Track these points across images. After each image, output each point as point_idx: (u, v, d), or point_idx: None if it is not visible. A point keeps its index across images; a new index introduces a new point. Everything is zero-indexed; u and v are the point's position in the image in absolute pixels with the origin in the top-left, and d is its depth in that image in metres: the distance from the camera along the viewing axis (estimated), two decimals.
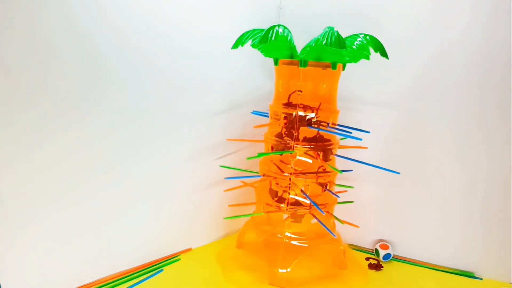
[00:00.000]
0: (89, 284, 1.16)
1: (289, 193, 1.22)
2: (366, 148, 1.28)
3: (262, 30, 1.05)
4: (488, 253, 1.33)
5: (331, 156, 1.22)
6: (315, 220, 1.21)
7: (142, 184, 1.23)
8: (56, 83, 0.97)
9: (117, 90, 1.09)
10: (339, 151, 1.25)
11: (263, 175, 1.28)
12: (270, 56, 1.22)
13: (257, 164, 1.33)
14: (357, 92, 1.36)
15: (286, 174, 1.22)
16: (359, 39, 1.07)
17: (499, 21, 1.14)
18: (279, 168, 1.26)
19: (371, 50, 1.06)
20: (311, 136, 1.21)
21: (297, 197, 1.24)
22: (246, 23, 1.21)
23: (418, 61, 1.26)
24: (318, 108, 1.17)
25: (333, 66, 1.13)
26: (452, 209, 1.34)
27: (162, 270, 1.27)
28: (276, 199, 1.27)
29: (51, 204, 1.03)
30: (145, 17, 1.09)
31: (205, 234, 1.49)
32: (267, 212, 1.28)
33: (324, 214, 1.17)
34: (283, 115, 1.21)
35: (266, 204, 1.27)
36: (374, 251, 1.46)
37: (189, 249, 1.44)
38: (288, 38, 1.02)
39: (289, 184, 1.21)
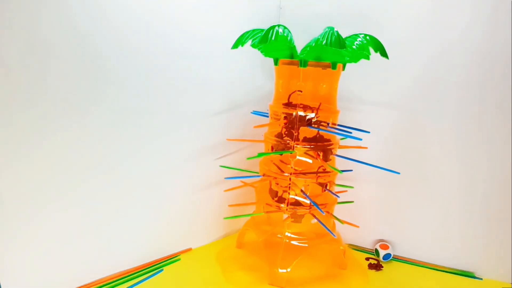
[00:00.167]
0: (89, 284, 1.16)
1: (289, 193, 1.22)
2: (366, 148, 1.28)
3: (262, 30, 1.05)
4: (488, 253, 1.33)
5: (331, 156, 1.22)
6: (315, 220, 1.21)
7: (142, 184, 1.23)
8: (56, 83, 0.97)
9: (117, 90, 1.09)
10: (339, 151, 1.26)
11: (263, 175, 1.28)
12: (270, 56, 1.22)
13: (257, 164, 1.33)
14: (357, 92, 1.36)
15: (286, 174, 1.22)
16: (359, 39, 1.07)
17: (499, 21, 1.14)
18: (279, 168, 1.26)
19: (371, 50, 1.06)
20: (311, 136, 1.21)
21: (297, 197, 1.24)
22: (246, 23, 1.21)
23: (418, 61, 1.26)
24: (318, 108, 1.17)
25: (333, 66, 1.13)
26: (452, 209, 1.34)
27: (162, 270, 1.27)
28: (276, 199, 1.27)
29: (51, 204, 1.03)
30: (145, 17, 1.09)
31: (205, 234, 1.49)
32: (267, 212, 1.28)
33: (324, 214, 1.17)
34: (283, 115, 1.21)
35: (266, 204, 1.27)
36: (374, 251, 1.46)
37: (189, 249, 1.44)
38: (288, 38, 1.02)
39: (289, 184, 1.21)
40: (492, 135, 1.23)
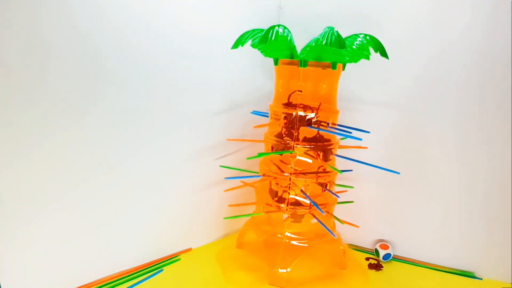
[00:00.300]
0: (89, 284, 1.16)
1: (289, 193, 1.22)
2: (366, 148, 1.28)
3: (262, 30, 1.05)
4: (488, 253, 1.33)
5: (331, 156, 1.22)
6: (315, 220, 1.21)
7: (142, 184, 1.23)
8: (56, 83, 0.97)
9: (117, 90, 1.09)
10: (339, 151, 1.26)
11: (263, 175, 1.28)
12: (270, 56, 1.22)
13: (257, 164, 1.33)
14: (357, 92, 1.36)
15: (286, 174, 1.22)
16: (359, 39, 1.07)
17: (499, 21, 1.14)
18: (279, 168, 1.26)
19: (371, 50, 1.06)
20: (311, 136, 1.21)
21: (297, 197, 1.24)
22: (246, 23, 1.21)
23: (418, 61, 1.26)
24: (318, 108, 1.17)
25: (333, 66, 1.13)
26: (452, 209, 1.34)
27: (162, 270, 1.27)
28: (276, 199, 1.27)
29: (51, 204, 1.03)
30: (145, 17, 1.09)
31: (205, 234, 1.49)
32: (267, 212, 1.28)
33: (324, 214, 1.17)
34: (283, 115, 1.21)
35: (266, 204, 1.27)
36: (374, 251, 1.46)
37: (189, 249, 1.44)
38: (288, 38, 1.02)
39: (289, 184, 1.21)
40: (492, 135, 1.23)
